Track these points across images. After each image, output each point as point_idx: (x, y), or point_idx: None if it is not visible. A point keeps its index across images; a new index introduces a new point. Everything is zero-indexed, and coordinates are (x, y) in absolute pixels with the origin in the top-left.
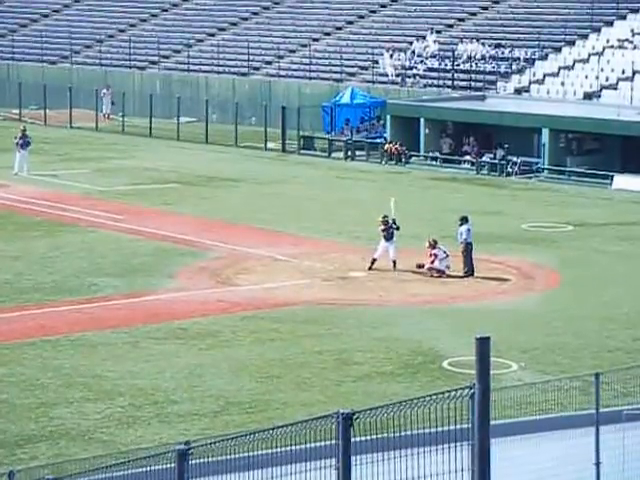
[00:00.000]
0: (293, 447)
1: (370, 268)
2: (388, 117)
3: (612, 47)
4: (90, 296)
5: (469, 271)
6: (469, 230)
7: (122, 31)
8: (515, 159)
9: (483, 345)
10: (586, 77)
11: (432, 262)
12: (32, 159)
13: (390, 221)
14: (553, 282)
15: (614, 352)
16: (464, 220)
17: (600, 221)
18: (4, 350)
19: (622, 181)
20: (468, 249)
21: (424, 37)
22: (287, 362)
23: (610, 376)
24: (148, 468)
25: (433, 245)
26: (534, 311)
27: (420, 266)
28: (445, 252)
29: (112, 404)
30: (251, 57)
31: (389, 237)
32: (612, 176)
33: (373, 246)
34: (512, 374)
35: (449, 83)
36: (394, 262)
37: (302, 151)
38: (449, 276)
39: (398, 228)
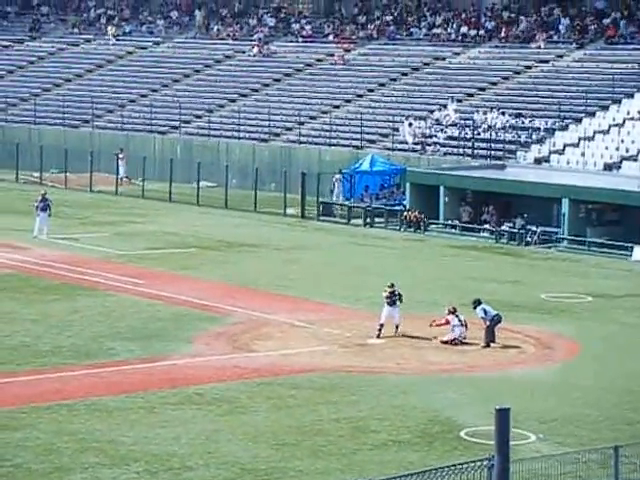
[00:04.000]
0: None
1: (379, 336)
2: (408, 184)
3: (632, 119)
4: (107, 360)
5: (489, 341)
6: (485, 310)
7: (144, 96)
8: (535, 228)
9: (503, 416)
10: (606, 148)
11: (441, 324)
12: (52, 222)
13: (397, 290)
14: (572, 353)
15: (633, 425)
16: (477, 303)
17: (620, 292)
18: (20, 414)
19: None
20: (492, 323)
21: (445, 106)
22: (303, 429)
23: (629, 449)
24: None
25: (452, 312)
26: (553, 382)
27: (432, 323)
28: (461, 321)
29: (127, 470)
30: (272, 123)
31: (392, 303)
32: (632, 247)
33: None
34: (530, 445)
35: (469, 152)
36: (397, 326)
37: (321, 217)
38: (466, 344)
39: (401, 299)
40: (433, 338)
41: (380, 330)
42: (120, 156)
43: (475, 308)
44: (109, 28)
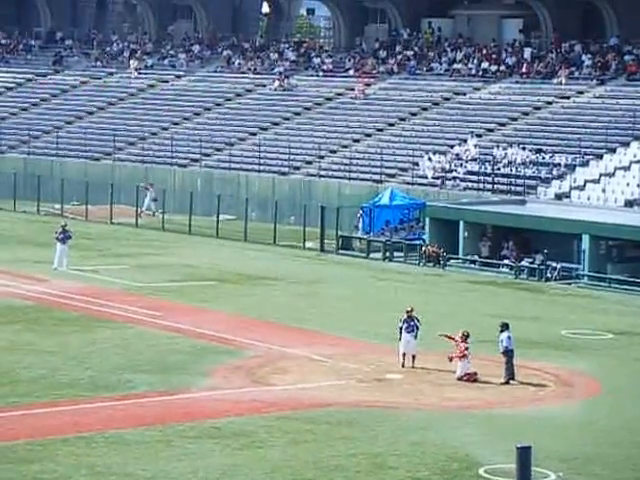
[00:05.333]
0: None
1: (403, 365)
2: (427, 219)
3: None
4: (125, 393)
5: (509, 378)
6: (509, 337)
7: (165, 129)
8: (555, 264)
9: (524, 454)
10: (627, 184)
11: (461, 356)
12: (72, 254)
13: (415, 316)
14: (593, 390)
15: None
16: (505, 327)
17: None
18: (37, 447)
19: None
20: (509, 356)
21: (465, 140)
22: (321, 464)
23: None
24: None
25: (466, 337)
26: (573, 420)
27: (451, 359)
28: (466, 352)
29: None
30: (292, 156)
31: (409, 329)
32: None
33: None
34: None
35: (489, 187)
36: (413, 357)
37: (340, 251)
38: (484, 382)
39: (418, 327)
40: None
41: (403, 360)
42: (149, 188)
43: (502, 331)
44: (131, 62)
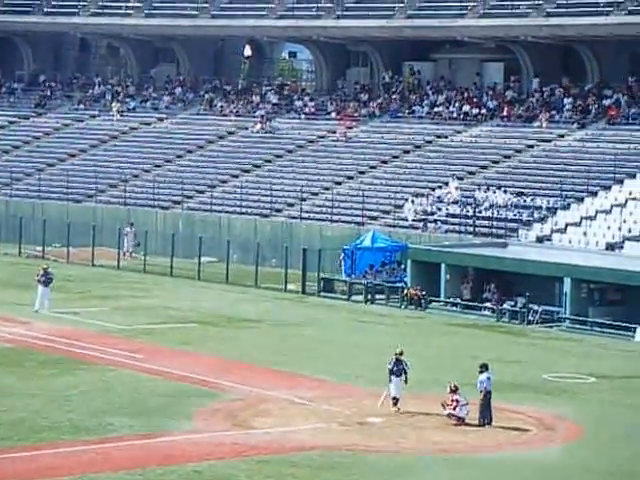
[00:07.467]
0: None
1: (398, 409)
2: (409, 261)
3: (634, 199)
4: (106, 436)
5: (486, 420)
6: (489, 378)
7: (147, 171)
8: (536, 307)
9: None
10: (608, 228)
11: (454, 408)
12: (53, 296)
13: (403, 360)
14: (575, 434)
15: None
16: (484, 368)
17: (623, 374)
18: None
19: None
20: (487, 398)
21: (446, 183)
22: None
23: None
24: None
25: (454, 390)
26: (555, 464)
27: (444, 405)
28: (465, 398)
29: None
30: (273, 199)
31: (398, 373)
32: (635, 328)
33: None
34: None
35: (470, 229)
36: (397, 400)
37: (322, 293)
38: (468, 424)
39: (406, 372)
40: (444, 406)
41: (396, 403)
42: (128, 230)
43: (482, 372)
44: (114, 104)
